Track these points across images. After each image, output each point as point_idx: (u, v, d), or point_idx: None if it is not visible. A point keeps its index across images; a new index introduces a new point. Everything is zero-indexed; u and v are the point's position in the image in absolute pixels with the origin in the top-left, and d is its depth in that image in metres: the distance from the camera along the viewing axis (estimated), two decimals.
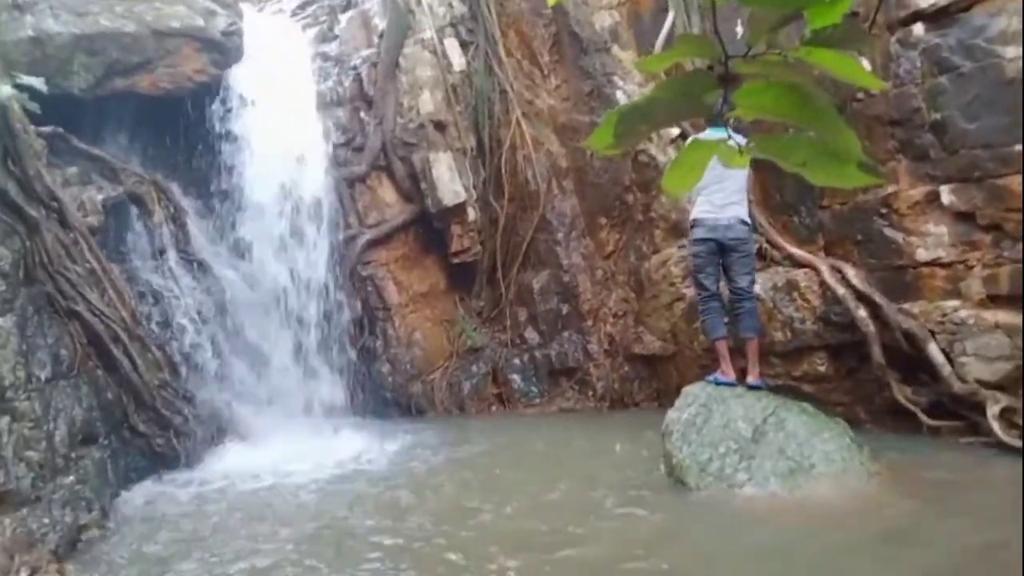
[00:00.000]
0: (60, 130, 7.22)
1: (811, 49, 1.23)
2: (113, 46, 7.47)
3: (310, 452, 6.55)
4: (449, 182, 8.46)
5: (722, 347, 5.37)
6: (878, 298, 5.57)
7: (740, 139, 1.29)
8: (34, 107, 4.90)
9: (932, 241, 5.42)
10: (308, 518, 4.93)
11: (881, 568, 3.55)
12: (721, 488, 4.58)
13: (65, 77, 7.13)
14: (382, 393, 8.35)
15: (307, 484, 5.73)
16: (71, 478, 4.91)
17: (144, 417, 6.10)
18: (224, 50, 8.07)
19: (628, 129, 1.37)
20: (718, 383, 5.27)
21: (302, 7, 10.12)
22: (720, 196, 5.31)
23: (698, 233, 5.43)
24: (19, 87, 4.78)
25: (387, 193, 8.78)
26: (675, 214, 7.34)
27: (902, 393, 5.47)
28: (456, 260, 8.72)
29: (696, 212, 5.46)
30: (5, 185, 5.46)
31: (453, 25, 9.01)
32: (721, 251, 5.39)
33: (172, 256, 7.63)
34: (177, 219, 7.81)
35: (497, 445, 6.56)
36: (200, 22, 7.79)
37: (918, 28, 5.40)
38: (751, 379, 5.24)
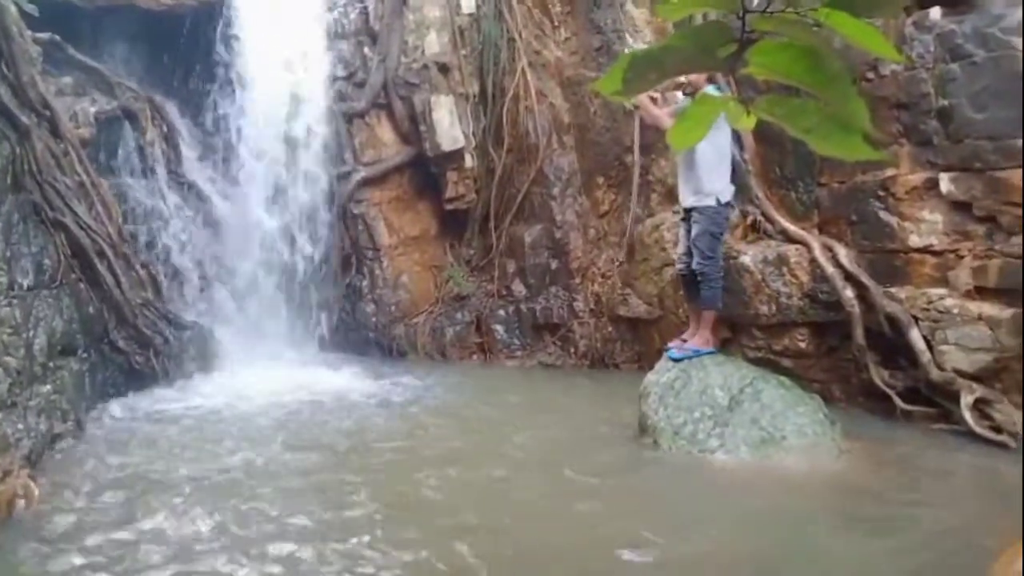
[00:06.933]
0: (57, 38, 7.07)
1: (832, 11, 1.20)
2: None
3: (285, 382, 6.58)
4: (449, 127, 8.35)
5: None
6: (866, 280, 5.59)
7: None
8: (32, 9, 4.77)
9: (926, 228, 5.42)
10: (274, 440, 5.04)
11: (837, 538, 3.62)
12: (692, 452, 4.64)
13: None
14: (364, 333, 8.36)
15: (271, 410, 5.80)
16: (48, 387, 4.92)
17: (124, 334, 6.09)
18: None
19: (638, 75, 1.34)
20: (699, 353, 5.28)
21: None
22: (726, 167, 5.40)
23: (729, 202, 5.41)
24: None
25: (385, 132, 8.67)
26: (672, 179, 7.29)
27: (879, 375, 5.52)
28: (450, 206, 8.66)
29: (726, 184, 5.37)
30: None
31: None
32: None
33: (162, 176, 7.55)
34: (170, 139, 7.70)
35: (477, 393, 6.60)
36: None
37: (935, 12, 5.32)
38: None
